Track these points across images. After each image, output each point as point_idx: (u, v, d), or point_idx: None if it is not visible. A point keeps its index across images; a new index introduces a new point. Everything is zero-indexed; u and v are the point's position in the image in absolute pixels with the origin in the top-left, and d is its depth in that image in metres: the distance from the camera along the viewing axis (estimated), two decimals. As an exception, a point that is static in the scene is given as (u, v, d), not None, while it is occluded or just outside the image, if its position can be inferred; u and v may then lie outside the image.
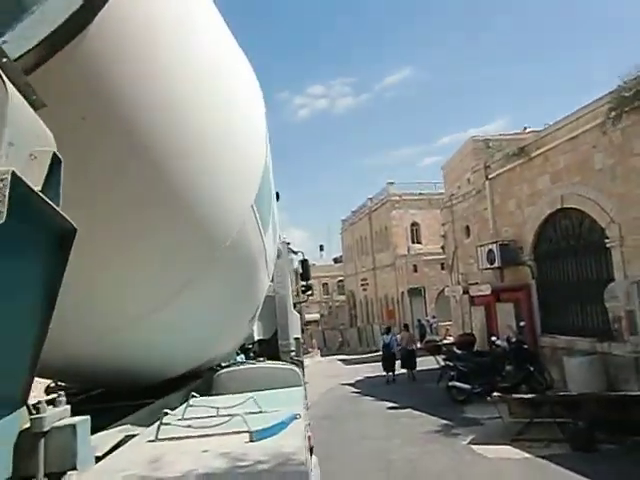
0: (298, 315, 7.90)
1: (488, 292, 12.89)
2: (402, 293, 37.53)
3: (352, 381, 17.66)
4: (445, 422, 9.34)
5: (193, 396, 2.66)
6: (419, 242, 38.86)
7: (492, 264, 13.40)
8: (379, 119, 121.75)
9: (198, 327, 3.04)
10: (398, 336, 18.21)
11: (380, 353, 25.62)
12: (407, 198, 39.49)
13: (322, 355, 37.56)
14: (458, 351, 11.76)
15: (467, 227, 16.17)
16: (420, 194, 39.29)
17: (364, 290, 46.65)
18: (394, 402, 11.97)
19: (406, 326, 20.65)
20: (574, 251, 11.22)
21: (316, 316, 61.05)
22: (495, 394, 8.00)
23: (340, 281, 59.89)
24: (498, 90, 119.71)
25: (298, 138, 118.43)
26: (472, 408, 10.25)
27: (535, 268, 12.48)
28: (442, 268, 27.13)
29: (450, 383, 11.12)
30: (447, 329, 26.53)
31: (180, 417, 2.47)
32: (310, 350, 39.67)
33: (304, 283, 9.66)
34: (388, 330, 18.88)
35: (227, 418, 2.23)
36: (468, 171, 17.12)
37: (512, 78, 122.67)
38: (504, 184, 13.65)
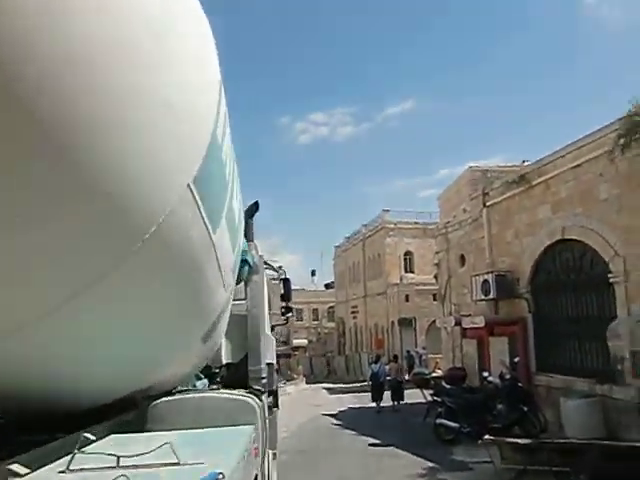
0: (273, 339, 7.17)
1: (481, 324, 12.20)
2: (392, 323, 36.75)
3: (335, 411, 16.83)
4: (431, 465, 8.53)
5: (86, 439, 1.96)
6: (412, 271, 38.26)
7: (487, 295, 12.74)
8: (379, 149, 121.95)
9: (116, 339, 2.35)
10: (387, 367, 18.00)
11: (366, 383, 25.88)
12: (402, 226, 39.07)
13: (307, 382, 36.53)
14: (447, 386, 10.98)
15: (462, 256, 15.56)
16: (415, 223, 38.88)
17: (354, 318, 45.84)
18: (376, 438, 11.14)
19: (395, 357, 20.62)
20: (574, 285, 10.61)
21: (304, 342, 59.94)
22: (486, 437, 7.25)
23: (331, 307, 58.93)
24: (501, 125, 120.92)
25: (297, 163, 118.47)
26: (460, 450, 9.46)
27: (532, 301, 11.83)
28: (434, 299, 26.40)
29: (437, 420, 10.33)
30: (437, 362, 25.71)
31: (64, 469, 1.78)
32: (295, 377, 38.61)
33: (284, 304, 8.96)
34: (377, 359, 18.97)
35: (117, 475, 1.53)
36: (464, 201, 16.62)
37: (518, 114, 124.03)
38: (502, 212, 13.11)
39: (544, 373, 11.24)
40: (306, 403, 20.73)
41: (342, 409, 17.58)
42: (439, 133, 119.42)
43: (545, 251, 11.36)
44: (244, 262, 6.04)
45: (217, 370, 6.36)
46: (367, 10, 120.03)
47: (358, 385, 29.89)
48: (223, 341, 6.49)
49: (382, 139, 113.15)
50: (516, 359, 10.99)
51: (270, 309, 8.58)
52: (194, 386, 5.25)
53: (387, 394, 17.23)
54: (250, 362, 6.30)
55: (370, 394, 17.55)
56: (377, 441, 10.89)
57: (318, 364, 49.20)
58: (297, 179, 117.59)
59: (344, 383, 33.27)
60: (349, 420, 14.67)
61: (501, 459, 7.74)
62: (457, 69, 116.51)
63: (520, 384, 10.18)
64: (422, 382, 11.28)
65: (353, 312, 45.91)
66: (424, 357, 29.04)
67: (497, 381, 10.42)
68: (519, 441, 7.08)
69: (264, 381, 6.43)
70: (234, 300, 6.71)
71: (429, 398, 11.30)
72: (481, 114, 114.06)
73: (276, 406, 8.21)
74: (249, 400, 3.35)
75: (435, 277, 18.98)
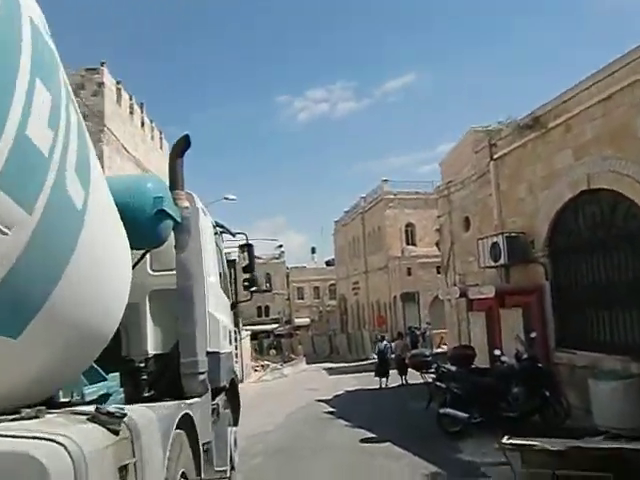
0: (220, 319, 5.46)
1: (491, 294, 10.46)
2: (395, 298, 35.22)
3: (330, 396, 15.33)
4: (433, 468, 6.87)
5: None
6: (414, 244, 36.52)
7: (496, 261, 10.99)
8: (379, 125, 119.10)
9: None
10: (392, 344, 17.96)
11: (368, 362, 26.01)
12: (402, 197, 37.19)
13: (308, 362, 35.21)
14: (452, 368, 9.29)
15: (466, 218, 13.78)
16: (416, 193, 36.96)
17: (355, 294, 44.33)
18: (371, 431, 9.54)
19: (400, 334, 21.13)
20: (603, 244, 8.83)
21: (306, 321, 58.74)
22: (505, 440, 5.60)
23: (332, 285, 57.34)
24: (501, 98, 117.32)
25: (297, 142, 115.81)
26: (470, 445, 7.82)
27: (550, 266, 10.07)
28: (438, 272, 24.82)
29: (441, 410, 8.67)
30: (442, 337, 24.28)
31: None
32: (294, 357, 37.31)
33: (246, 276, 7.20)
34: (382, 338, 19.46)
35: None
36: (467, 165, 14.81)
37: (519, 87, 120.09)
38: (513, 165, 11.26)
39: (565, 349, 9.55)
40: (301, 387, 19.26)
41: (338, 393, 16.10)
42: (439, 107, 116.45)
43: (565, 206, 9.56)
44: (162, 214, 4.31)
45: (142, 364, 4.63)
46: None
47: (361, 364, 28.48)
48: (148, 325, 4.79)
49: (382, 114, 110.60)
50: (533, 334, 9.25)
51: (225, 281, 6.90)
52: (82, 396, 3.54)
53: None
54: (182, 352, 4.57)
55: (374, 372, 17.51)
56: (371, 435, 9.28)
57: (320, 343, 47.95)
58: (298, 158, 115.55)
59: (346, 362, 31.93)
60: (344, 407, 13.11)
61: (522, 462, 6.08)
62: (455, 40, 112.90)
63: (540, 364, 8.51)
64: (422, 364, 9.60)
65: (354, 288, 44.37)
66: (428, 333, 27.51)
67: (512, 361, 8.73)
68: (549, 447, 5.42)
69: (202, 377, 4.75)
70: (164, 270, 5.00)
71: (429, 380, 9.62)
72: (480, 84, 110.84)
73: (235, 407, 6.56)
74: (35, 452, 1.62)
75: (437, 245, 17.26)
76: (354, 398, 15.27)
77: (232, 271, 7.08)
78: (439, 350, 22.28)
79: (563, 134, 9.46)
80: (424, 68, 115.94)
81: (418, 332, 27.01)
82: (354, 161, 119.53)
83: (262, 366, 31.84)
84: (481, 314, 11.86)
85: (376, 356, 18.38)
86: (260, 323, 55.91)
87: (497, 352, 9.43)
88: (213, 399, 5.08)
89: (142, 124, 20.88)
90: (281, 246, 64.49)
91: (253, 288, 7.15)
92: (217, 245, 6.41)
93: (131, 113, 19.23)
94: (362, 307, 42.77)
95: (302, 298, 62.00)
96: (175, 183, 4.96)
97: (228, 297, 6.70)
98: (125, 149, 17.50)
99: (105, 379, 4.08)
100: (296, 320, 59.41)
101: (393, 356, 17.48)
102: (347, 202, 47.27)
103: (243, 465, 6.90)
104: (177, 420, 3.65)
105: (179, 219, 4.65)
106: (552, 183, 9.84)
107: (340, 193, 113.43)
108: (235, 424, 6.46)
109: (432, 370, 9.32)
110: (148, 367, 4.68)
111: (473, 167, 13.25)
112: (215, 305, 5.38)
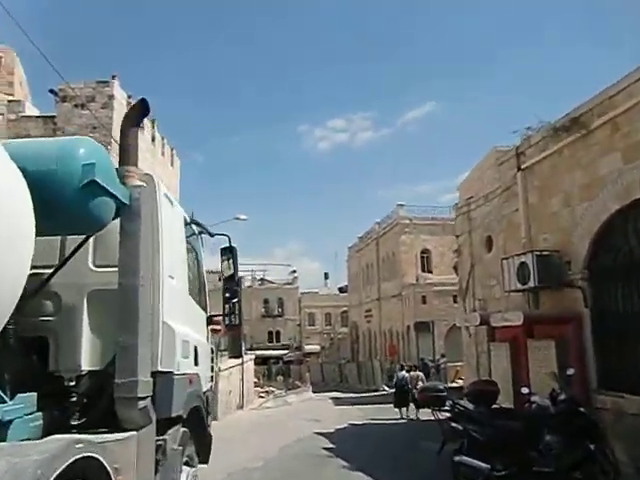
0: (179, 331, 4.21)
1: (518, 322, 8.93)
2: (408, 327, 33.56)
3: (332, 429, 13.84)
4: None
5: None
6: (430, 271, 34.99)
7: (524, 284, 9.50)
8: (399, 154, 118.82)
9: None
10: (407, 375, 17.59)
11: (378, 393, 25.43)
12: (418, 222, 35.90)
13: (315, 391, 33.48)
14: (470, 406, 7.74)
15: (489, 238, 12.33)
16: (433, 219, 35.61)
17: (368, 322, 42.74)
18: (372, 476, 8.02)
19: (415, 367, 20.88)
20: (659, 264, 7.37)
21: (317, 348, 57.14)
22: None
23: (344, 312, 55.70)
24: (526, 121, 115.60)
25: (317, 170, 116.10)
26: (492, 507, 6.27)
27: (590, 291, 8.56)
28: (454, 301, 23.40)
29: (457, 458, 7.11)
30: (457, 370, 22.63)
31: None
32: (299, 384, 35.62)
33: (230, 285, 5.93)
34: (402, 367, 19.56)
35: None
36: (488, 186, 13.46)
37: (544, 109, 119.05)
38: (545, 174, 9.87)
39: (610, 392, 7.95)
40: (303, 417, 17.73)
41: (341, 426, 14.58)
42: (460, 136, 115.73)
43: (612, 219, 8.10)
44: (93, 186, 3.29)
45: (72, 383, 3.73)
46: (382, 11, 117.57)
47: (368, 395, 26.76)
48: (84, 333, 3.75)
49: (403, 144, 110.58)
50: (570, 371, 7.64)
51: (202, 290, 5.67)
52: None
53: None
54: (118, 370, 3.57)
55: (394, 404, 17.39)
56: (372, 482, 7.76)
57: (330, 371, 46.18)
58: (318, 186, 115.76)
59: (355, 392, 30.23)
60: (344, 443, 11.55)
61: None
62: (474, 69, 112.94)
63: (582, 409, 6.93)
64: (434, 401, 8.08)
65: (367, 316, 42.81)
66: (442, 366, 25.72)
67: (546, 402, 7.16)
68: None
69: (143, 404, 3.55)
70: (110, 266, 3.84)
71: (441, 417, 8.05)
72: (500, 113, 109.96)
73: (202, 441, 5.19)
74: None
75: (455, 268, 15.75)
76: (359, 432, 13.71)
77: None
78: (454, 385, 20.60)
79: (610, 135, 8.08)
80: (443, 97, 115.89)
81: (431, 364, 25.28)
82: (373, 189, 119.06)
83: (267, 392, 30.31)
84: (505, 345, 10.28)
85: (387, 387, 18.71)
86: (270, 348, 54.43)
87: (525, 390, 7.82)
88: (163, 433, 3.87)
89: (153, 139, 20.93)
90: (295, 271, 63.30)
91: (234, 300, 5.88)
92: (192, 246, 5.30)
93: (142, 127, 19.14)
94: (374, 336, 41.06)
95: (313, 324, 60.41)
96: (126, 157, 3.92)
97: (204, 309, 5.51)
98: (133, 162, 17.28)
99: (4, 401, 2.85)
100: (306, 347, 57.76)
101: (410, 387, 16.93)
102: (363, 229, 46.01)
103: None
104: (59, 470, 2.41)
105: (125, 199, 3.56)
106: (595, 193, 8.42)
107: (357, 221, 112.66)
108: (204, 461, 5.16)
109: (446, 408, 7.77)
110: (80, 387, 3.68)
111: (497, 180, 11.88)
112: (176, 314, 4.21)
